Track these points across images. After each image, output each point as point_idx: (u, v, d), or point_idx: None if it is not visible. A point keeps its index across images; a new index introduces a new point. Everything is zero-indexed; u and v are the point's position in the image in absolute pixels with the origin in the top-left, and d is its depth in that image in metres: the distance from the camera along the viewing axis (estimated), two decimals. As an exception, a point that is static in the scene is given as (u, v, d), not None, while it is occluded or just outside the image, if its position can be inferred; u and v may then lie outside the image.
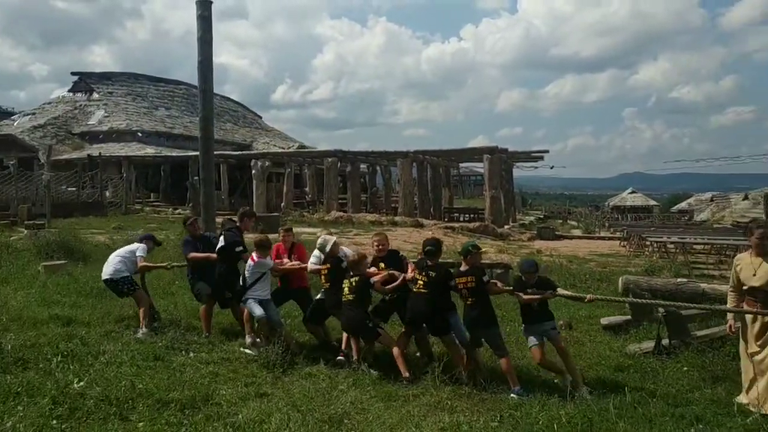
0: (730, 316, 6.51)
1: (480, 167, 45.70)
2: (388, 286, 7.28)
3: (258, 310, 7.67)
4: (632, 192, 67.62)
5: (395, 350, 7.05)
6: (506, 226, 30.64)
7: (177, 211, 34.07)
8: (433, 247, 7.11)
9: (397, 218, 29.99)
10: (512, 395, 6.39)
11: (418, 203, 34.60)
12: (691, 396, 6.46)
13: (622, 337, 8.83)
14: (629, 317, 9.16)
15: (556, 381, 6.87)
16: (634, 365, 7.54)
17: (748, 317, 6.28)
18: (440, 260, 7.29)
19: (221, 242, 8.35)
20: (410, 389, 6.51)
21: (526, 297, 6.80)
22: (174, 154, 43.79)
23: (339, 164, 35.23)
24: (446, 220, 34.54)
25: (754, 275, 6.14)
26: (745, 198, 46.17)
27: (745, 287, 6.26)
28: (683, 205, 61.17)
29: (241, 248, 8.28)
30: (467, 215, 35.61)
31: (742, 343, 6.41)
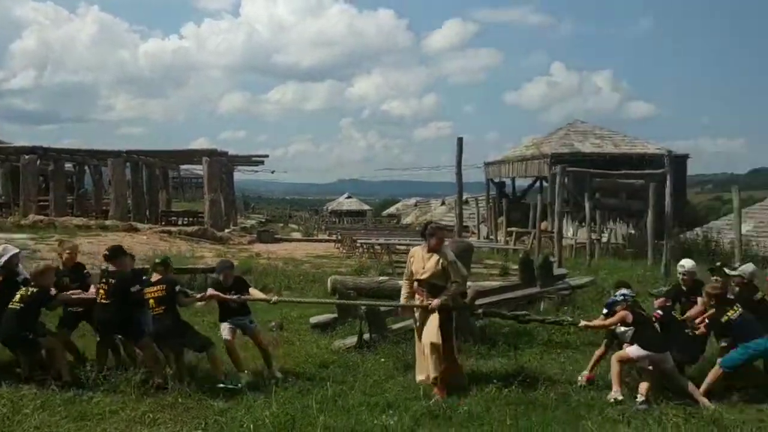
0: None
1: (201, 170, 44.60)
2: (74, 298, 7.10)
3: None
4: (349, 197, 71.63)
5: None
6: (226, 230, 30.30)
7: None
8: (109, 253, 7.09)
9: (108, 222, 27.81)
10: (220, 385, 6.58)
11: (132, 206, 32.55)
12: (386, 385, 7.01)
13: (329, 334, 9.28)
14: (336, 315, 9.66)
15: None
16: (338, 360, 7.96)
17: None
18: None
19: None
20: (108, 405, 6.08)
21: (227, 297, 7.17)
22: None
23: (39, 162, 31.57)
24: (163, 223, 32.97)
25: (423, 268, 6.99)
26: (443, 203, 51.89)
27: (415, 278, 7.12)
28: (392, 209, 66.68)
29: None
30: (186, 219, 34.47)
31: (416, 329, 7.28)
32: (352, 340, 8.56)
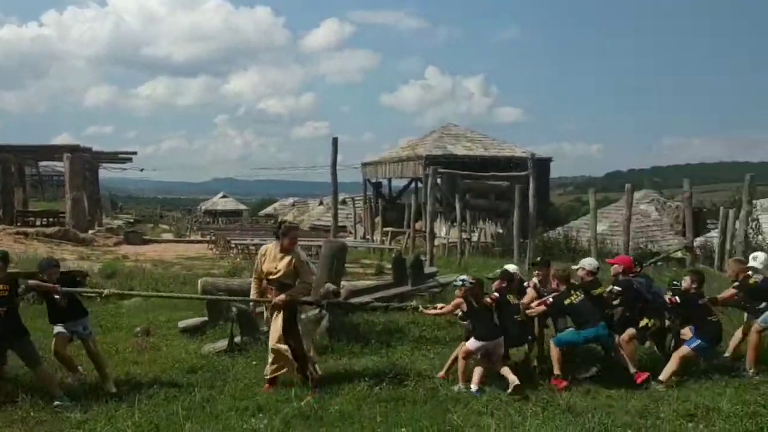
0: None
1: (63, 167, 41.85)
2: None
3: None
4: (224, 196, 69.82)
5: None
6: (90, 231, 28.65)
7: None
8: None
9: (-47, 223, 25.48)
10: (56, 402, 6.11)
11: (-18, 206, 29.98)
12: (257, 388, 6.89)
13: (199, 338, 9.00)
14: (206, 318, 9.38)
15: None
16: (208, 365, 7.74)
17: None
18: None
19: None
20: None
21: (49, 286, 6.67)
22: None
23: None
24: (19, 224, 30.62)
25: (276, 268, 6.95)
26: (321, 203, 51.84)
27: (265, 277, 7.06)
28: (269, 209, 65.73)
29: None
30: (45, 219, 32.20)
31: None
32: (222, 343, 8.35)
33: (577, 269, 7.81)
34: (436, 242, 21.92)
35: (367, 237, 31.12)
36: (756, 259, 7.99)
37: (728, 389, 6.57)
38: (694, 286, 7.42)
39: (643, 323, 7.31)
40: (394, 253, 13.50)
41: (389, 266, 12.80)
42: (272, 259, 7.00)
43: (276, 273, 6.94)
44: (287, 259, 6.92)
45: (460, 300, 7.10)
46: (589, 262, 7.97)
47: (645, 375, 6.97)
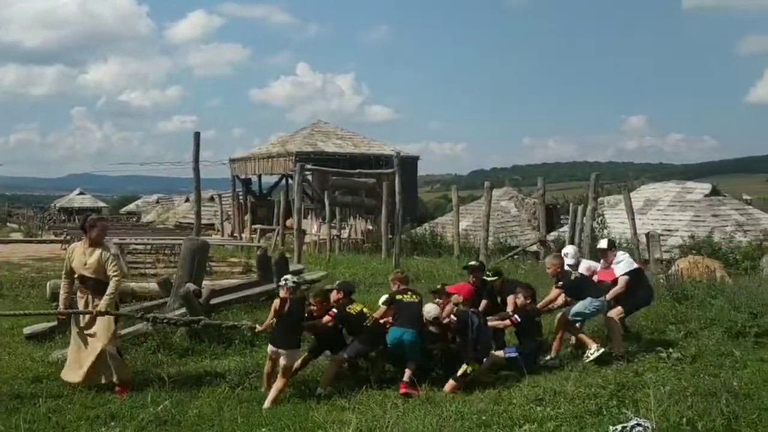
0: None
1: None
2: None
3: None
4: (81, 193, 65.85)
5: None
6: (-77, 231, 25.98)
7: None
8: None
9: None
10: None
11: None
12: (109, 395, 6.55)
13: (47, 344, 8.41)
14: (55, 323, 8.76)
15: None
16: (56, 373, 7.22)
17: (80, 304, 6.87)
18: None
19: None
20: None
21: None
22: None
23: None
24: None
25: (86, 264, 6.71)
26: (187, 200, 50.02)
27: (76, 275, 6.81)
28: (132, 206, 62.62)
29: None
30: None
31: (73, 326, 6.94)
32: (71, 350, 7.84)
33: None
34: (307, 239, 21.85)
35: (236, 235, 30.43)
36: (567, 256, 8.43)
37: (573, 374, 7.05)
38: (528, 301, 7.55)
39: (462, 370, 6.85)
40: (259, 252, 13.32)
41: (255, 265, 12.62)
42: (81, 255, 6.73)
43: (87, 269, 6.68)
44: (97, 253, 6.68)
45: (277, 302, 6.73)
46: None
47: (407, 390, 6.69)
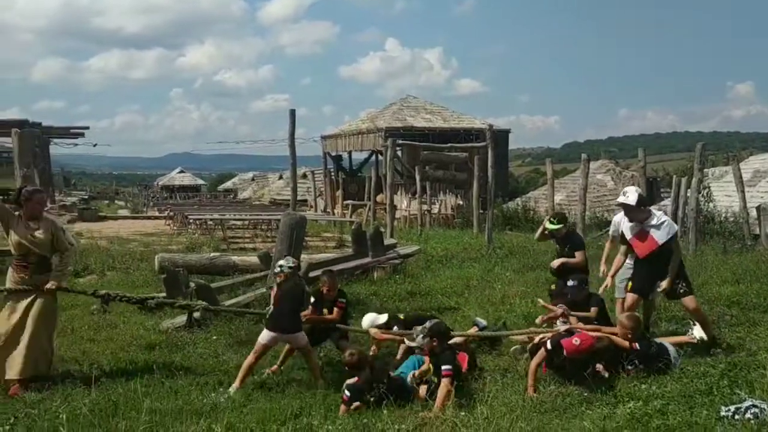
0: None
1: (11, 143, 40.44)
2: None
3: None
4: (181, 171, 68.75)
5: None
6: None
7: None
8: None
9: None
10: None
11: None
12: (215, 362, 6.85)
13: (157, 315, 8.86)
14: (164, 294, 9.23)
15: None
16: (167, 341, 7.65)
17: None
18: None
19: None
20: None
21: None
22: None
23: None
24: (-33, 203, 29.70)
25: (30, 238, 6.07)
26: (280, 177, 51.35)
27: (16, 252, 6.14)
28: (228, 184, 64.94)
29: None
30: (-5, 197, 31.27)
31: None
32: (181, 319, 8.25)
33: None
34: (397, 214, 21.97)
35: (328, 210, 31.00)
36: (627, 194, 6.77)
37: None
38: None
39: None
40: (354, 226, 13.49)
41: (350, 239, 12.80)
42: (22, 229, 6.07)
43: (31, 244, 6.06)
44: (42, 227, 6.11)
45: (274, 289, 6.49)
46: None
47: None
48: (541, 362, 5.99)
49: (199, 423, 5.00)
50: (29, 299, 6.11)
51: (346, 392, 5.61)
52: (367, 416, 5.24)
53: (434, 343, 5.94)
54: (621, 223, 6.90)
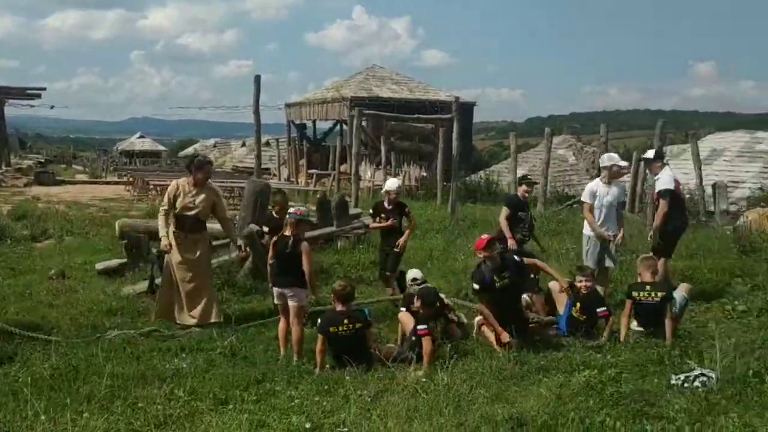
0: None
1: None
2: None
3: None
4: (141, 137, 67.32)
5: None
6: (-3, 171, 27.15)
7: None
8: None
9: None
10: None
11: None
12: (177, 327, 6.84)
13: (117, 280, 8.77)
14: (125, 260, 9.14)
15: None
16: (128, 307, 7.60)
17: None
18: None
19: None
20: None
21: None
22: None
23: None
24: None
25: (194, 203, 6.90)
26: (243, 145, 50.71)
27: (180, 212, 6.97)
28: (190, 150, 63.80)
29: None
30: (-55, 158, 30.26)
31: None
32: (143, 285, 8.18)
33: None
34: (361, 185, 21.95)
35: (292, 179, 30.81)
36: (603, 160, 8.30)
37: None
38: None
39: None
40: (318, 195, 13.47)
41: (314, 208, 12.78)
42: (188, 195, 6.87)
43: (193, 209, 6.84)
44: (203, 195, 6.86)
45: (275, 238, 6.39)
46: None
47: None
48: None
49: (162, 387, 5.02)
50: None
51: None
52: (328, 382, 5.31)
53: (420, 306, 6.24)
54: (597, 190, 7.73)
